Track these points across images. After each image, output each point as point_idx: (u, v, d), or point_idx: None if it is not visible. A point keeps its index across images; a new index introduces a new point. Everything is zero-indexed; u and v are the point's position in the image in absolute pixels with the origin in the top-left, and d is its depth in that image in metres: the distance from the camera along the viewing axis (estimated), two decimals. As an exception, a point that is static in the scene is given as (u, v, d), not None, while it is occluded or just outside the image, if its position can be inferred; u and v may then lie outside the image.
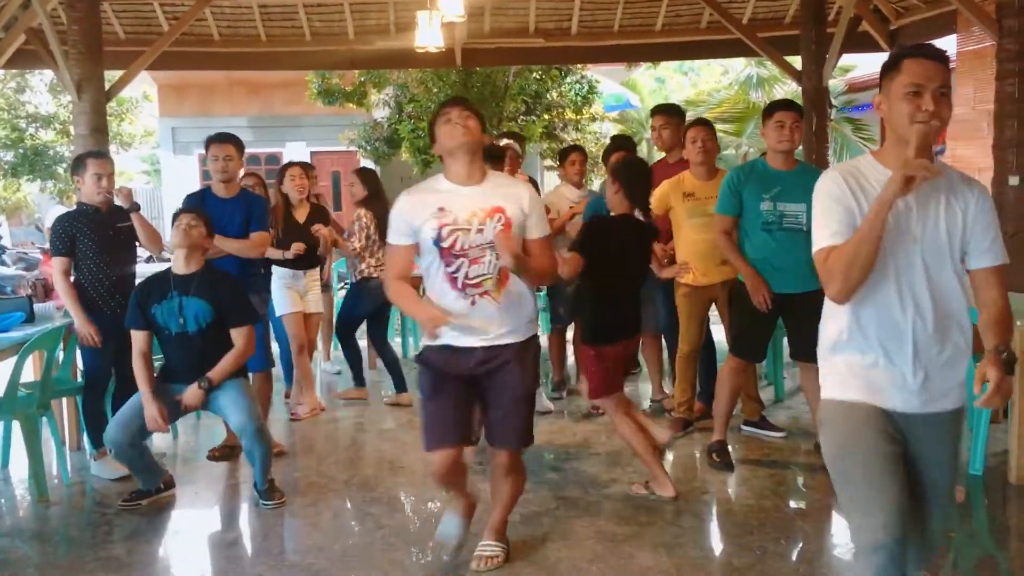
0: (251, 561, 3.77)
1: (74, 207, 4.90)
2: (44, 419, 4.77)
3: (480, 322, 3.23)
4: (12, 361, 4.45)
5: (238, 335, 4.29)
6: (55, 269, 4.77)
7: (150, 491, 4.33)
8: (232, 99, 18.82)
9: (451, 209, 3.21)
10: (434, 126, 3.34)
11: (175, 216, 4.39)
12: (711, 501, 4.30)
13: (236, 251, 4.85)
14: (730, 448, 4.71)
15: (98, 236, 4.68)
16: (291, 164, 5.97)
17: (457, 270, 3.21)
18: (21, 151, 17.06)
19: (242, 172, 5.42)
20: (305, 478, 4.70)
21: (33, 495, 4.52)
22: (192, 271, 4.26)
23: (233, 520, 4.32)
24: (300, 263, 5.68)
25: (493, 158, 4.84)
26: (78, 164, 4.83)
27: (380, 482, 4.68)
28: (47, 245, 7.72)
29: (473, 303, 3.23)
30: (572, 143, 13.10)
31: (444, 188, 3.29)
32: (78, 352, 4.94)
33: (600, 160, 7.30)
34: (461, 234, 3.20)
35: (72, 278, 4.73)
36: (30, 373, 5.04)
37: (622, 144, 5.84)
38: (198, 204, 4.85)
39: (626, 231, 4.20)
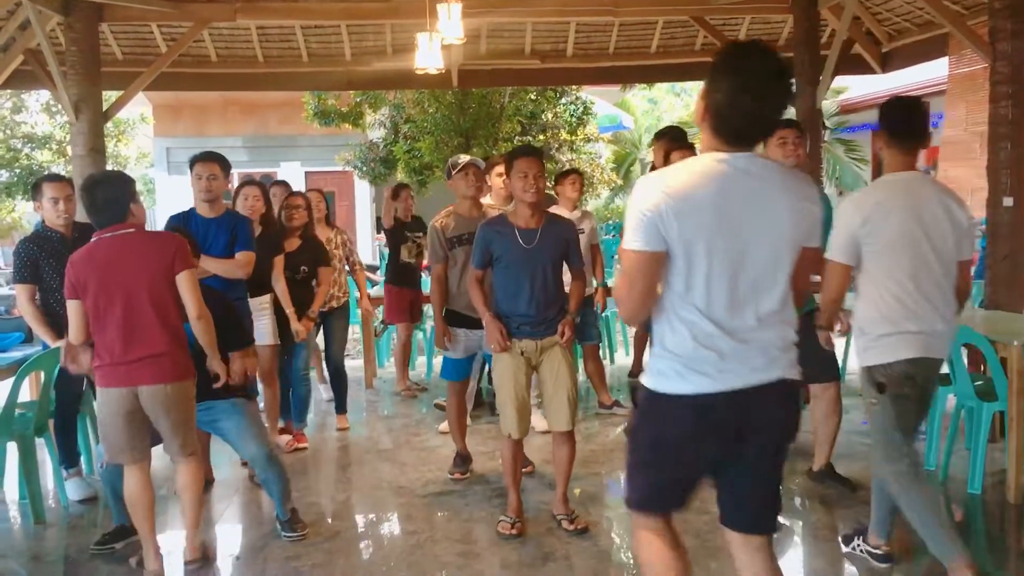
0: (251, 583, 3.77)
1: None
2: (42, 440, 4.76)
3: None
4: (9, 382, 4.44)
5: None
6: (19, 297, 4.61)
7: (125, 527, 4.02)
8: (227, 119, 18.86)
9: None
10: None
11: None
12: (712, 521, 4.28)
13: (221, 271, 4.72)
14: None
15: (63, 263, 4.34)
16: (247, 183, 5.56)
17: None
18: (16, 171, 17.03)
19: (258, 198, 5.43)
20: (304, 498, 4.69)
21: (29, 517, 4.50)
22: None
23: (239, 541, 4.29)
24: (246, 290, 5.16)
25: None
26: (36, 190, 4.71)
27: (380, 501, 4.69)
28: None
29: None
30: (567, 163, 13.19)
31: None
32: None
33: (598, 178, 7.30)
34: None
35: (38, 300, 4.60)
36: (27, 394, 5.03)
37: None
38: (182, 224, 4.78)
39: None
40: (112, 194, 3.68)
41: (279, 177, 17.51)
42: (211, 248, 4.72)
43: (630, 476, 2.54)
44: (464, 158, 4.91)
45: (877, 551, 3.66)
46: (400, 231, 7.04)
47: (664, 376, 2.34)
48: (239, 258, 4.87)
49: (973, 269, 3.77)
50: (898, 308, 3.30)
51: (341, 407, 6.19)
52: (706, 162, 2.27)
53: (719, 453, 2.37)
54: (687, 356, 2.29)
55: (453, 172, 4.82)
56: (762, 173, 2.29)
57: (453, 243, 4.72)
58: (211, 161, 4.89)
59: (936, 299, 3.31)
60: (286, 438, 5.63)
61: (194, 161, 4.92)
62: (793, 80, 2.26)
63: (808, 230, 2.36)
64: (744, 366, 2.29)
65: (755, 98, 2.20)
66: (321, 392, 6.86)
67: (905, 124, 3.38)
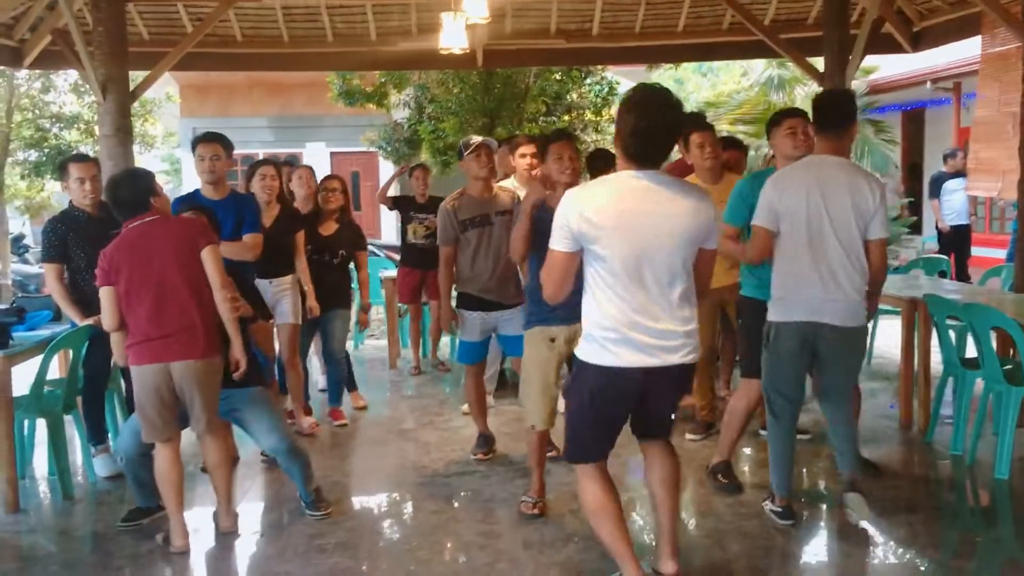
0: (279, 558, 3.80)
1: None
2: (70, 417, 4.82)
3: None
4: (39, 359, 4.49)
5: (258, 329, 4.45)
6: (48, 276, 4.67)
7: (151, 508, 4.12)
8: (253, 99, 18.88)
9: None
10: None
11: None
12: (734, 504, 4.28)
13: (228, 254, 4.57)
14: (750, 452, 4.69)
15: (90, 242, 4.51)
16: (262, 163, 5.55)
17: None
18: (45, 151, 17.14)
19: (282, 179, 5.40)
20: (327, 477, 4.72)
21: (58, 493, 4.57)
22: None
23: (262, 519, 4.30)
24: (265, 271, 5.15)
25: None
26: (62, 170, 4.78)
27: (403, 480, 4.71)
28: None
29: None
30: (592, 144, 13.10)
31: None
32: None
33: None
34: None
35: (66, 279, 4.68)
36: (55, 371, 5.09)
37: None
38: (188, 206, 4.80)
39: None
40: (132, 191, 3.89)
41: (305, 158, 17.60)
42: (218, 231, 4.66)
43: (568, 435, 3.16)
44: (476, 139, 4.82)
45: (778, 509, 3.95)
46: (406, 211, 7.02)
47: (589, 350, 2.99)
48: (247, 240, 4.87)
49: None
50: (792, 275, 3.74)
51: (351, 385, 6.22)
52: (621, 178, 2.95)
53: (625, 408, 3.09)
54: (605, 337, 2.93)
55: (465, 153, 4.77)
56: (665, 187, 2.92)
57: (466, 225, 4.65)
58: (213, 142, 4.92)
59: (831, 270, 3.67)
60: (310, 420, 5.65)
61: (196, 142, 4.94)
62: (682, 112, 2.97)
63: (704, 233, 2.97)
64: (648, 349, 2.92)
65: (651, 128, 2.86)
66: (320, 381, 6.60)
67: (829, 116, 3.83)
